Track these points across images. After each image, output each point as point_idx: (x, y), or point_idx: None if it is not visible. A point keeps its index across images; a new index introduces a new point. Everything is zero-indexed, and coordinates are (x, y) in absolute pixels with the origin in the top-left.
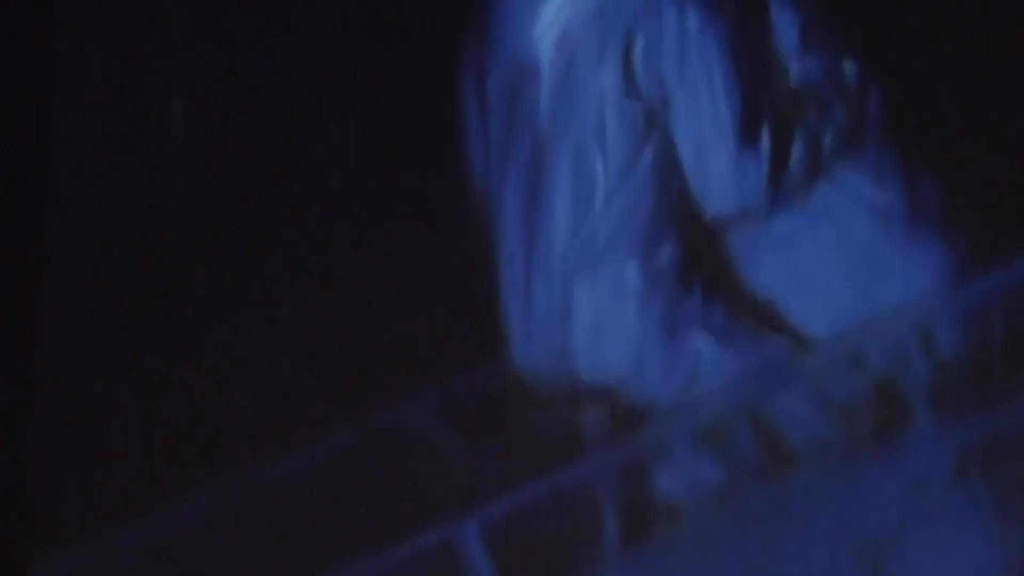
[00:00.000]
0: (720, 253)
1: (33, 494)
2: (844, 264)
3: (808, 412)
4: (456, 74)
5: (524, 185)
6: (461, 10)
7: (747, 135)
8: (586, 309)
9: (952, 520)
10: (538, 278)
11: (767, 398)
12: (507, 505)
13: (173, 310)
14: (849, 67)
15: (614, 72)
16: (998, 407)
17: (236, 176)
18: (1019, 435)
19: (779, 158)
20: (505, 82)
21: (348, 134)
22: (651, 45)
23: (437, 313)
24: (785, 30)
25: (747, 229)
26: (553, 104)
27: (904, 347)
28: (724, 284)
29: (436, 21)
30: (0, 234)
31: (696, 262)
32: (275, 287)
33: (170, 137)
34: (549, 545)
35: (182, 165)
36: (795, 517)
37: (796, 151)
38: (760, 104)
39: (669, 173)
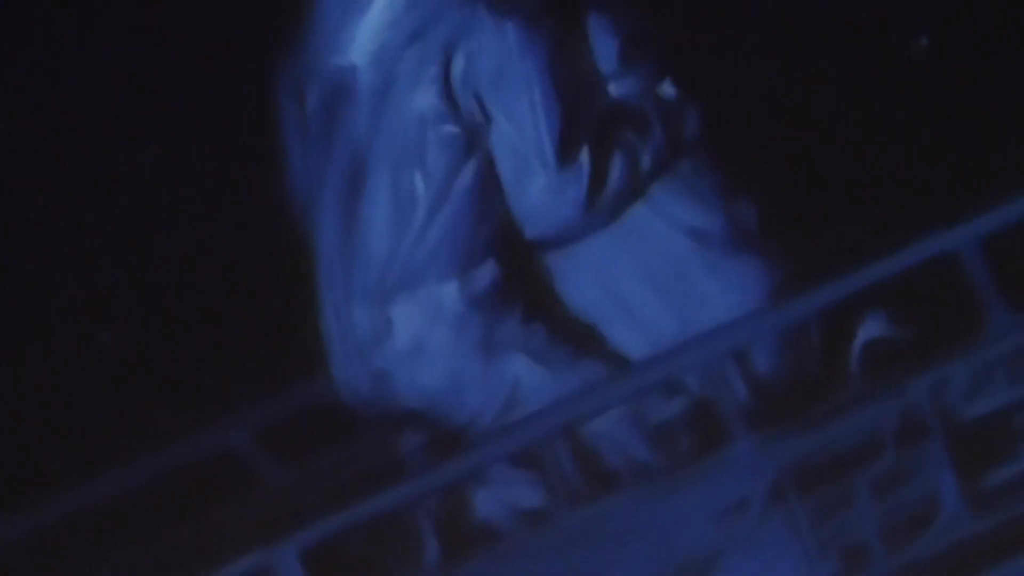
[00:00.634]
0: (540, 275)
1: None
2: (661, 286)
3: (626, 435)
4: (272, 94)
5: (342, 207)
6: (275, 30)
7: (566, 155)
8: (404, 332)
9: (769, 542)
10: (356, 300)
11: (585, 421)
12: (327, 528)
13: None
14: (668, 88)
15: (433, 92)
16: (815, 429)
17: (42, 190)
18: (835, 457)
19: (598, 178)
20: (321, 102)
21: (164, 159)
22: (470, 65)
23: (255, 336)
24: (604, 50)
25: (566, 250)
26: (371, 125)
27: (721, 369)
28: (543, 306)
29: (250, 40)
30: None
31: (515, 284)
32: (92, 310)
33: None
34: (369, 568)
35: None
36: (613, 540)
37: (614, 171)
38: (579, 124)
39: (489, 194)
